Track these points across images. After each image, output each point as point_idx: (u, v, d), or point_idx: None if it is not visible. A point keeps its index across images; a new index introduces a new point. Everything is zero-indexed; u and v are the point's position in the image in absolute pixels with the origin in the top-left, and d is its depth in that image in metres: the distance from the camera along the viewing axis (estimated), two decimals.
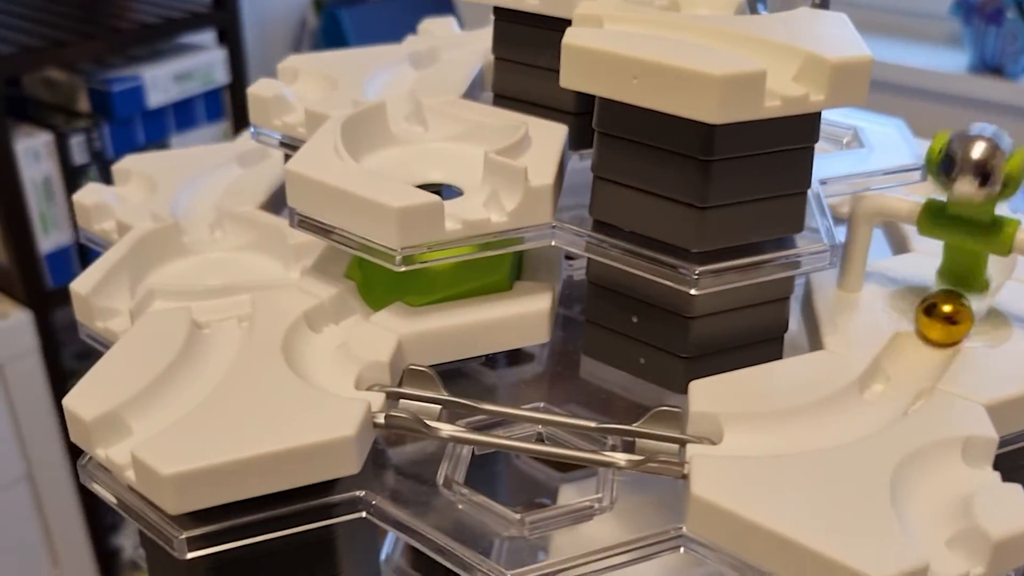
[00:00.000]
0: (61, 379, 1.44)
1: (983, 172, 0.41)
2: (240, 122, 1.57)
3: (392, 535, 0.59)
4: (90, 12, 1.49)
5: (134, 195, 0.61)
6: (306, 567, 0.43)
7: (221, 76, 1.53)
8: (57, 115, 1.43)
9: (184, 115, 1.52)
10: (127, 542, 1.62)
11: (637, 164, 0.43)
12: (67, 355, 1.53)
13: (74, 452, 1.45)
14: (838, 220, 0.56)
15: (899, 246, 0.56)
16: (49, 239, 1.39)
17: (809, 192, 0.47)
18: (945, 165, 0.42)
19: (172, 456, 0.38)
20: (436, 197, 0.43)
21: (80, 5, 1.52)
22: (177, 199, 0.58)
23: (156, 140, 1.49)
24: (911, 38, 1.58)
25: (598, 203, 0.45)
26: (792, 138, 0.43)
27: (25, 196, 1.33)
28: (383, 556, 0.58)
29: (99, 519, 1.54)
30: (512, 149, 0.46)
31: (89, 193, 0.59)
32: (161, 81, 1.46)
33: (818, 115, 0.43)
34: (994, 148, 0.40)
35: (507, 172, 0.44)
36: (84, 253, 1.43)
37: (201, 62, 1.51)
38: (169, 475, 0.37)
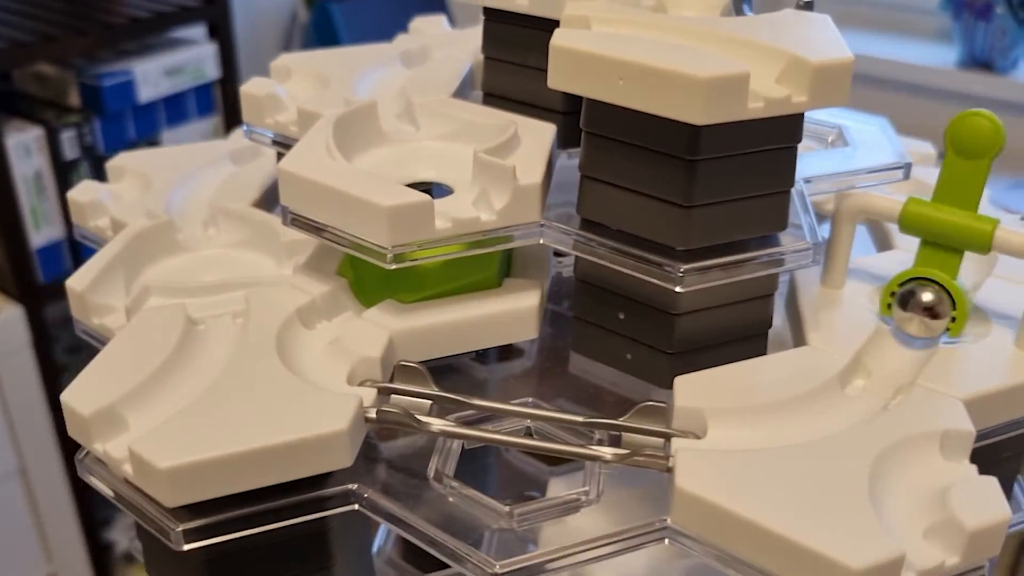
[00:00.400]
0: (53, 374, 1.44)
1: (932, 314, 0.46)
2: (231, 117, 1.57)
3: (384, 527, 0.60)
4: (80, 6, 1.49)
5: (128, 192, 0.61)
6: (300, 559, 0.44)
7: (212, 71, 1.54)
8: (48, 110, 1.43)
9: (175, 110, 1.52)
10: (120, 537, 1.63)
11: (624, 164, 0.44)
12: (59, 350, 1.54)
13: (67, 447, 1.46)
14: (822, 217, 0.57)
15: (882, 243, 0.57)
16: (40, 234, 1.40)
17: (793, 190, 0.48)
18: (900, 302, 0.47)
19: (169, 450, 0.38)
20: (426, 196, 0.44)
21: (70, 0, 1.52)
22: (171, 196, 0.59)
23: (147, 135, 1.49)
24: (901, 33, 1.59)
25: (585, 202, 0.46)
26: (775, 138, 0.43)
27: (16, 191, 1.33)
28: (375, 548, 0.59)
29: (92, 514, 1.55)
30: (501, 148, 0.47)
31: (84, 190, 0.60)
32: (152, 76, 1.46)
33: (801, 116, 0.44)
34: (941, 294, 0.46)
35: (496, 171, 0.45)
36: (75, 248, 1.43)
37: (192, 57, 1.51)
38: (166, 468, 0.38)
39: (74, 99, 1.44)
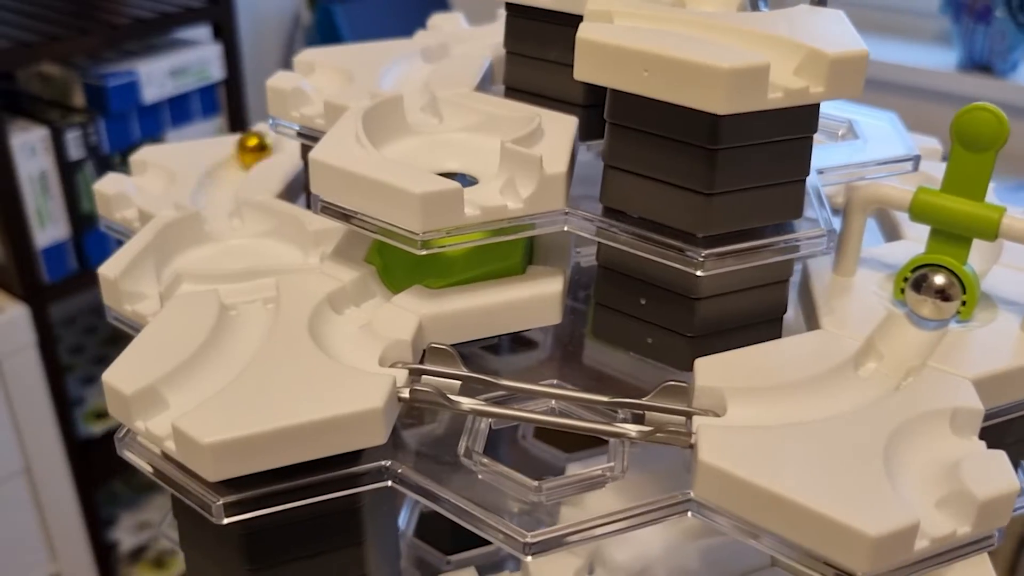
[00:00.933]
0: (58, 373, 1.45)
1: (944, 296, 0.48)
2: (235, 117, 1.58)
3: (405, 510, 0.62)
4: (85, 7, 1.50)
5: (152, 185, 0.63)
6: (332, 535, 0.46)
7: (216, 72, 1.55)
8: (52, 110, 1.44)
9: (179, 110, 1.53)
10: (124, 536, 1.64)
11: (646, 153, 0.46)
12: (63, 349, 1.54)
13: (71, 446, 1.46)
14: (834, 210, 0.59)
15: (891, 234, 0.59)
16: (45, 233, 1.40)
17: (808, 184, 0.49)
18: (914, 286, 0.49)
19: (211, 426, 0.40)
20: (456, 184, 0.45)
21: (75, 0, 1.53)
22: (195, 189, 0.60)
23: (151, 135, 1.50)
24: (901, 36, 1.60)
25: (609, 190, 0.48)
26: (793, 128, 0.45)
27: (21, 191, 1.34)
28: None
29: (96, 513, 1.56)
30: (527, 139, 0.49)
31: (110, 183, 0.61)
32: (156, 76, 1.47)
33: (817, 107, 0.45)
34: (952, 279, 0.48)
35: (523, 160, 0.47)
36: (80, 248, 1.44)
37: (196, 57, 1.52)
38: (209, 444, 0.39)
39: (79, 99, 1.45)
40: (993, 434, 0.53)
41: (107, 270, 0.52)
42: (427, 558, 0.58)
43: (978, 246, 0.54)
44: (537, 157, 0.46)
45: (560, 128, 0.51)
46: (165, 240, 0.55)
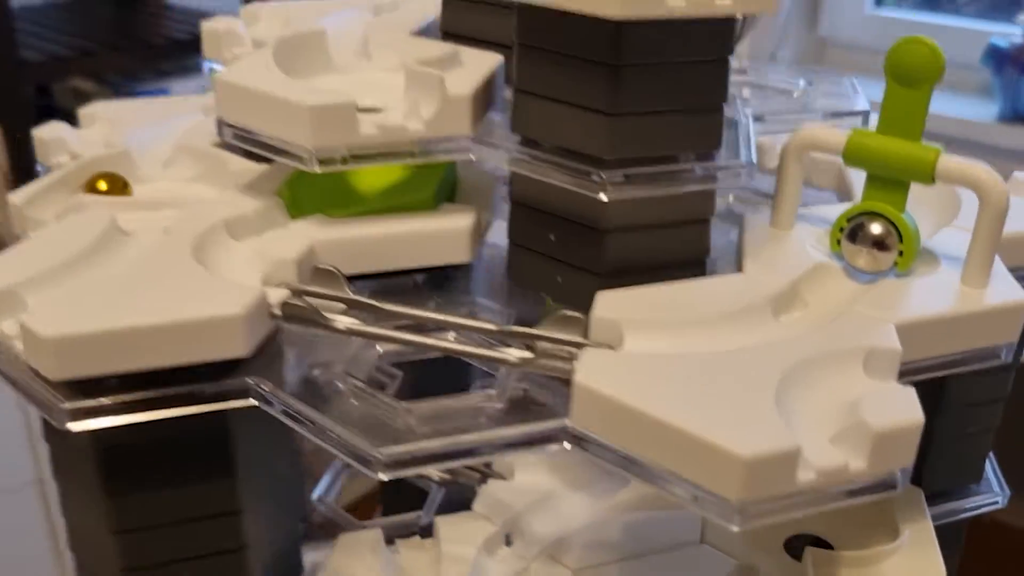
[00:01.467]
0: None
1: (881, 246, 0.44)
2: None
3: (328, 477, 0.59)
4: (123, 25, 1.52)
5: (95, 135, 0.61)
6: (200, 465, 0.43)
7: None
8: None
9: None
10: None
11: (553, 74, 0.43)
12: None
13: None
14: None
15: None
16: None
17: (740, 126, 0.46)
18: (849, 236, 0.45)
19: (56, 321, 0.38)
20: (350, 98, 0.43)
21: (112, 18, 1.56)
22: (135, 137, 0.59)
23: None
24: (943, 88, 1.57)
25: (518, 116, 0.45)
26: (703, 49, 0.42)
27: None
28: (316, 495, 0.58)
29: None
30: (435, 63, 0.46)
31: (48, 129, 0.60)
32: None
33: (731, 28, 0.42)
34: (889, 227, 0.44)
35: (425, 81, 0.44)
36: None
37: None
38: (50, 338, 0.37)
39: None
40: (949, 424, 0.49)
41: (16, 197, 0.51)
42: (340, 522, 0.55)
43: (931, 207, 0.50)
44: (438, 76, 0.44)
45: (480, 62, 0.49)
46: (86, 175, 0.53)
